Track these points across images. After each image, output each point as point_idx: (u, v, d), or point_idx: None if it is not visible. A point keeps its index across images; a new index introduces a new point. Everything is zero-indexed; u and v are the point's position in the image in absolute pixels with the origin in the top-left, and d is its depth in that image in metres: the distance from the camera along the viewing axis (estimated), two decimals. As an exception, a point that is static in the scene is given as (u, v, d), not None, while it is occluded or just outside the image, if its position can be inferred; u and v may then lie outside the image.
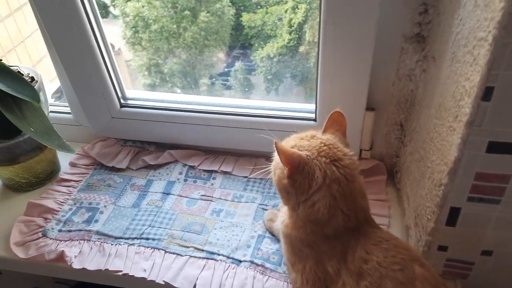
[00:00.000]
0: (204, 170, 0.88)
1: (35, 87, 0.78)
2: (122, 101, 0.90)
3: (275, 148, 0.59)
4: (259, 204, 0.81)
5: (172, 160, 0.90)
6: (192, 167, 0.89)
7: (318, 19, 0.71)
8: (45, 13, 0.76)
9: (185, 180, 0.87)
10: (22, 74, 0.82)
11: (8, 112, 0.68)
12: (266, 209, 0.80)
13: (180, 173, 0.88)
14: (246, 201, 0.82)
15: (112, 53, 0.85)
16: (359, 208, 0.60)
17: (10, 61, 2.26)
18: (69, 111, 0.95)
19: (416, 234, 0.68)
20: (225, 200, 0.82)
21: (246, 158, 0.90)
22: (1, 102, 0.68)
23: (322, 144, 0.61)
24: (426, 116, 0.66)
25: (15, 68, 0.83)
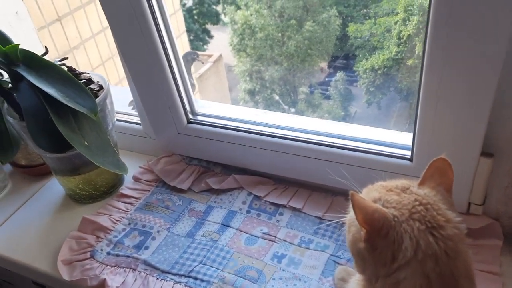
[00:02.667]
0: (271, 203, 0.76)
1: (100, 95, 0.74)
2: (190, 116, 0.82)
3: (350, 200, 0.45)
4: (331, 255, 0.66)
5: (236, 186, 0.80)
6: (257, 197, 0.78)
7: (424, 33, 0.55)
8: (114, 22, 0.71)
9: (248, 212, 0.76)
10: (92, 82, 0.78)
11: (62, 123, 0.63)
12: (339, 263, 0.65)
13: (244, 203, 0.77)
14: (315, 249, 0.68)
15: (183, 67, 0.78)
16: (461, 295, 0.43)
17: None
18: (140, 122, 0.90)
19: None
20: (290, 243, 0.69)
21: (321, 194, 0.76)
22: (57, 112, 0.64)
23: (417, 202, 0.45)
24: None
25: (87, 75, 0.79)
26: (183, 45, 3.07)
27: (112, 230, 0.75)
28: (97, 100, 0.72)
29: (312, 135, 0.75)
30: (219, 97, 3.73)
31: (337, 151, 0.72)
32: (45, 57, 0.73)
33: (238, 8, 9.45)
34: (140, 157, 0.91)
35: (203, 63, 1.32)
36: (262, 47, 9.03)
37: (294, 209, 0.75)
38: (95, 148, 0.66)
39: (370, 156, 0.69)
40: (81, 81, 0.79)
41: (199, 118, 0.83)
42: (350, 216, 0.50)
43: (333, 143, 0.73)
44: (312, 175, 0.76)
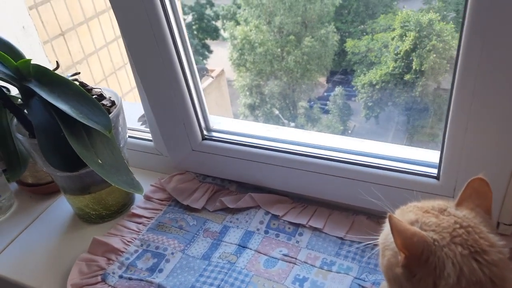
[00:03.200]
0: (290, 223, 0.73)
1: (113, 111, 0.71)
2: (205, 132, 0.80)
3: (388, 222, 0.43)
4: (355, 278, 0.63)
5: (253, 205, 0.77)
6: (275, 217, 0.75)
7: (458, 34, 0.53)
8: (129, 32, 0.69)
9: (266, 232, 0.73)
10: (104, 97, 0.76)
11: (76, 140, 0.60)
12: (363, 287, 0.62)
13: (261, 223, 0.74)
14: (338, 271, 0.65)
15: (199, 81, 0.76)
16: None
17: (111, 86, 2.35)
18: (151, 138, 0.87)
19: None
20: (311, 265, 0.66)
21: (341, 213, 0.73)
22: (70, 129, 0.61)
23: (458, 225, 0.43)
24: None
25: (98, 90, 0.77)
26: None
27: (124, 252, 0.72)
28: (111, 115, 0.70)
29: (331, 151, 0.73)
30: (221, 112, 3.72)
31: (357, 168, 0.69)
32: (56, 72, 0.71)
33: (238, 23, 9.53)
34: (151, 175, 0.89)
35: (212, 77, 1.30)
36: (261, 62, 9.08)
37: (314, 229, 0.72)
38: (108, 167, 0.63)
39: (394, 174, 0.66)
40: (93, 97, 0.76)
41: (214, 134, 0.80)
42: (384, 238, 0.48)
43: (352, 159, 0.70)
44: (331, 193, 0.73)
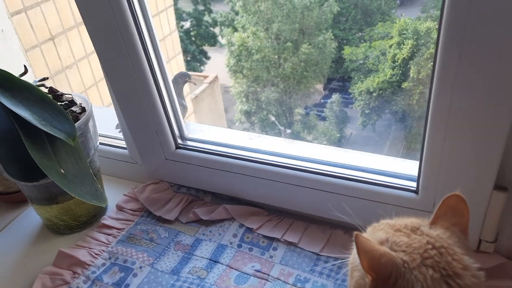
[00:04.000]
0: (264, 236, 0.70)
1: (81, 118, 0.68)
2: (179, 141, 0.77)
3: (354, 241, 0.40)
4: (329, 296, 0.60)
5: (227, 217, 0.74)
6: (249, 230, 0.72)
7: (434, 47, 0.51)
8: (97, 39, 0.66)
9: (239, 246, 0.70)
10: (75, 103, 0.73)
11: (36, 148, 0.57)
12: (336, 306, 0.59)
13: (235, 236, 0.71)
14: (312, 289, 0.62)
15: (172, 89, 0.73)
16: None
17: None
18: (126, 146, 0.84)
19: None
20: (284, 282, 0.63)
21: (318, 227, 0.70)
22: (31, 136, 0.58)
23: (430, 246, 0.40)
24: None
25: (69, 96, 0.74)
26: (178, 65, 3.05)
27: (90, 265, 0.69)
28: (77, 123, 0.67)
29: (309, 163, 0.70)
30: (215, 118, 3.71)
31: (335, 181, 0.66)
32: (25, 77, 0.68)
33: (235, 30, 9.55)
34: (125, 183, 0.86)
35: (195, 84, 1.28)
36: (258, 68, 9.09)
37: (289, 243, 0.69)
38: (72, 177, 0.60)
39: (372, 187, 0.64)
40: (63, 103, 0.74)
41: (189, 143, 0.78)
42: (353, 258, 0.45)
43: (331, 172, 0.67)
44: (309, 206, 0.70)
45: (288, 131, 8.68)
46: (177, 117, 0.75)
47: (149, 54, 0.66)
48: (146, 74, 0.67)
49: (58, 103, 0.74)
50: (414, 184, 0.61)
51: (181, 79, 1.09)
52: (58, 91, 0.74)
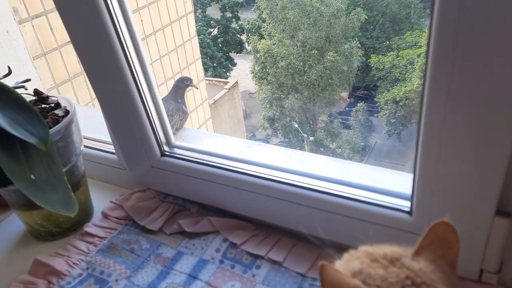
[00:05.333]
0: (248, 253, 0.66)
1: (62, 121, 0.66)
2: (165, 148, 0.74)
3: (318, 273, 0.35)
4: (309, 323, 0.55)
5: (211, 230, 0.70)
6: (233, 245, 0.67)
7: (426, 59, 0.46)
8: (77, 39, 0.64)
9: (221, 262, 0.66)
10: (59, 106, 0.71)
11: (6, 153, 0.55)
12: (316, 335, 0.54)
13: (217, 251, 0.67)
14: (292, 314, 0.57)
15: (157, 94, 0.70)
16: None
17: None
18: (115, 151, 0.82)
19: None
20: (263, 305, 0.59)
21: (306, 245, 0.65)
22: (2, 140, 0.56)
23: (409, 282, 0.34)
24: None
25: (55, 98, 0.73)
26: (197, 71, 3.05)
27: (66, 275, 0.66)
28: (57, 127, 0.65)
29: (300, 176, 0.66)
30: (233, 124, 3.69)
31: (321, 197, 0.61)
32: (8, 78, 0.67)
33: (262, 37, 9.58)
34: (114, 189, 0.83)
35: (197, 88, 1.26)
36: (283, 75, 9.09)
37: (274, 262, 0.64)
38: (43, 183, 0.57)
39: (363, 205, 0.58)
40: (48, 105, 0.72)
41: (176, 151, 0.74)
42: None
43: (321, 187, 0.62)
44: (296, 223, 0.66)
45: (311, 138, 8.61)
46: (163, 123, 0.72)
47: (131, 58, 0.64)
48: (127, 78, 0.64)
49: (43, 105, 0.72)
50: (408, 203, 0.56)
51: (182, 84, 1.06)
52: (43, 93, 0.72)
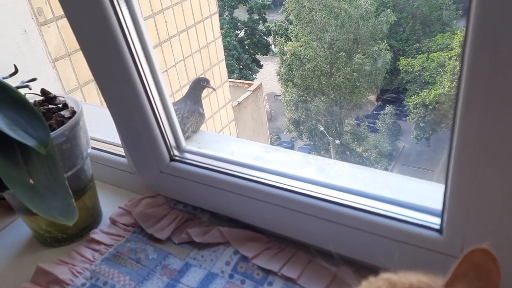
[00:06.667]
0: (260, 268, 0.61)
1: (67, 123, 0.63)
2: (175, 152, 0.70)
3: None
4: None
5: (222, 241, 0.66)
6: (244, 258, 0.63)
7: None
8: (84, 39, 0.61)
9: (231, 277, 0.61)
10: (67, 107, 0.69)
11: (3, 155, 0.52)
12: None
13: (227, 264, 0.62)
14: None
15: (167, 97, 0.66)
16: None
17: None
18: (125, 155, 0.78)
19: None
20: (274, 327, 0.53)
21: (323, 262, 0.60)
22: (0, 142, 0.53)
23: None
24: None
25: (62, 99, 0.70)
26: (221, 72, 3.02)
27: (69, 284, 0.63)
28: (61, 129, 0.62)
29: (319, 187, 0.60)
30: (257, 126, 3.65)
31: (346, 211, 0.56)
32: (13, 78, 0.64)
33: (288, 39, 9.51)
34: (124, 194, 0.80)
35: (214, 89, 1.22)
36: (309, 77, 8.98)
37: (287, 278, 0.59)
38: (43, 188, 0.54)
39: (387, 221, 0.52)
40: (56, 106, 0.69)
41: (187, 156, 0.70)
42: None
43: (343, 199, 0.57)
44: (314, 237, 0.60)
45: (337, 141, 8.47)
46: (173, 126, 0.68)
47: (139, 60, 0.60)
48: (134, 80, 0.61)
49: (50, 106, 0.70)
50: (437, 220, 0.50)
51: (199, 85, 1.02)
52: (50, 93, 0.69)
